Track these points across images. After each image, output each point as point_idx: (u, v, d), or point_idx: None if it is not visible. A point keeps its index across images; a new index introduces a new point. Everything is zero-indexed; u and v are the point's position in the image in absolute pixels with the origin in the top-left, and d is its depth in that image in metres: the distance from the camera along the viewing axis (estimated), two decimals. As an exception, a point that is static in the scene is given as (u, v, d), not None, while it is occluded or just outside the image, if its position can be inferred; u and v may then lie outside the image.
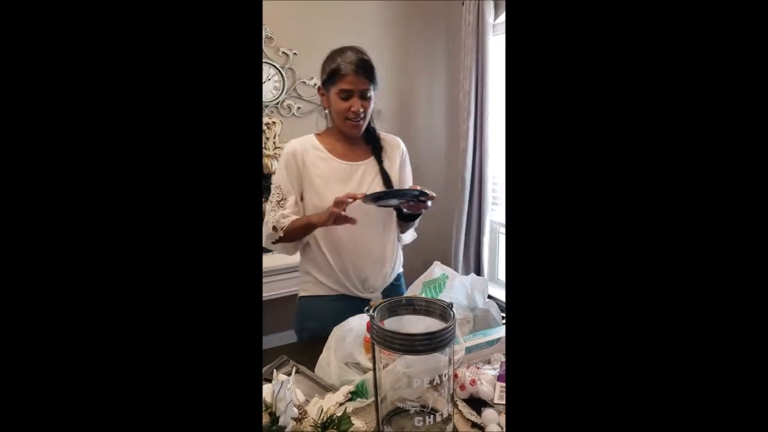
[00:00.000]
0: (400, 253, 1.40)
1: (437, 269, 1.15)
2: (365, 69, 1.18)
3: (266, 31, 2.31)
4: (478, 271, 2.70)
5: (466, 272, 2.66)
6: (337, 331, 1.04)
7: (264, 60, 2.32)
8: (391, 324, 0.79)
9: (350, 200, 1.09)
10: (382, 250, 1.30)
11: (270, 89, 2.37)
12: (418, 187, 1.16)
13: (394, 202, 1.17)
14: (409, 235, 1.40)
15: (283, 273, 2.17)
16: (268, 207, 1.25)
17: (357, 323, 1.04)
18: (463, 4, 2.54)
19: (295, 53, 2.36)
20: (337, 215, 1.10)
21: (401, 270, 1.41)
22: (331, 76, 1.19)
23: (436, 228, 2.85)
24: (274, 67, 2.35)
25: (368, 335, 0.97)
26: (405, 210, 1.22)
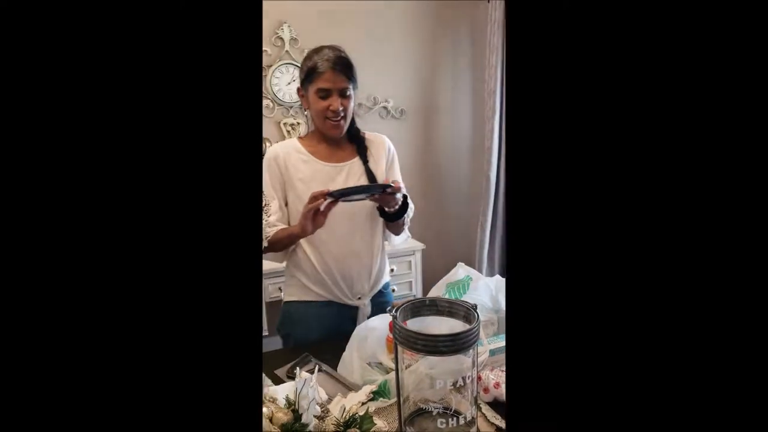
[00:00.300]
0: (387, 261, 1.36)
1: (461, 270, 1.14)
2: (343, 66, 1.14)
3: (291, 32, 2.33)
4: (503, 273, 2.67)
5: (491, 274, 2.63)
6: (359, 331, 1.04)
7: (289, 61, 2.34)
8: (414, 324, 0.78)
9: (323, 197, 1.04)
10: (369, 255, 1.27)
11: (294, 90, 2.38)
12: (391, 182, 1.11)
13: (360, 197, 1.13)
14: (402, 237, 1.34)
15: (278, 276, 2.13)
16: None
17: (379, 323, 1.04)
18: (489, 1, 2.51)
19: (320, 54, 2.37)
20: (313, 212, 1.05)
21: (389, 279, 1.38)
22: (308, 75, 1.16)
23: (460, 228, 2.83)
24: (299, 68, 2.37)
25: (391, 335, 0.97)
26: (387, 208, 1.16)
